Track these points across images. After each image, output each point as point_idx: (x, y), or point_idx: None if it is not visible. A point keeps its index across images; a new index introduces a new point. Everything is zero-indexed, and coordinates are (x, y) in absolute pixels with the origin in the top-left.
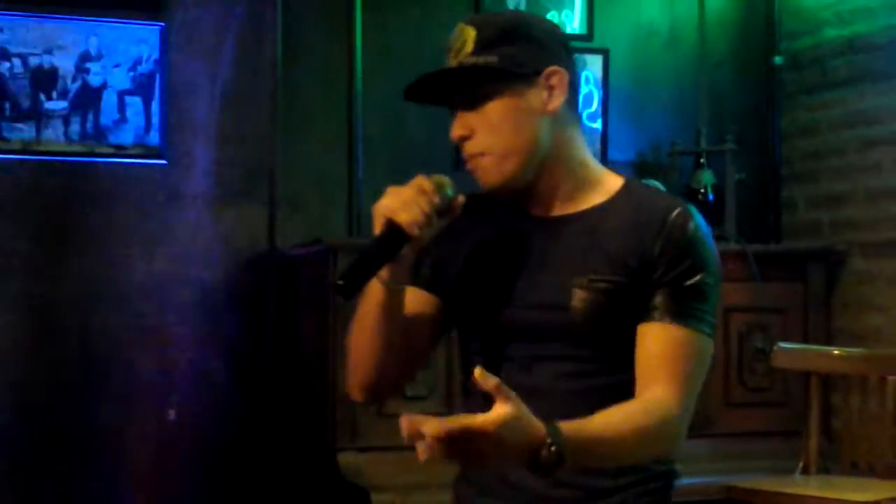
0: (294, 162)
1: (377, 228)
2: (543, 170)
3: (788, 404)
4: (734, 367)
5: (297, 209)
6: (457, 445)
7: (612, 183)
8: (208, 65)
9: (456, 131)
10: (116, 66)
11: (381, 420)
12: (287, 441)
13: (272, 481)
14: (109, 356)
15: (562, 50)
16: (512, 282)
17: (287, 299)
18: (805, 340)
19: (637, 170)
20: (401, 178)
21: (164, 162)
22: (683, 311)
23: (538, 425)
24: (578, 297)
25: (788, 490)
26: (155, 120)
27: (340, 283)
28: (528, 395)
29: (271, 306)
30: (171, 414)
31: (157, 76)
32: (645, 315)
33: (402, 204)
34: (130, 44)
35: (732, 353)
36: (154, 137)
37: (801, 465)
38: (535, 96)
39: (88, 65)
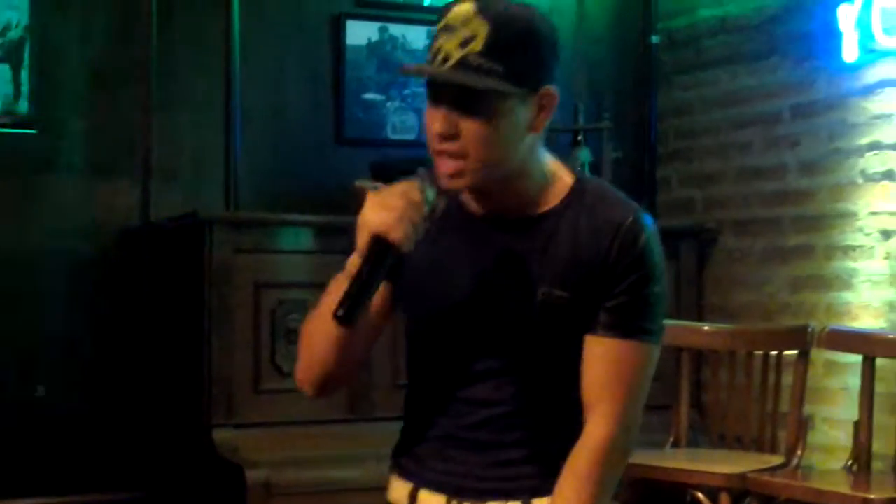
0: (169, 132)
1: (363, 242)
2: (508, 178)
3: (660, 379)
4: None
5: (171, 181)
6: None
7: (563, 183)
8: (80, 32)
9: (441, 126)
10: None
11: (256, 397)
12: (161, 418)
13: (146, 459)
14: None
15: (555, 63)
16: (467, 288)
17: (161, 273)
18: (678, 316)
19: None
20: (279, 150)
21: (33, 131)
22: (630, 324)
23: None
24: (538, 309)
25: (658, 463)
26: (24, 88)
27: (340, 313)
28: (478, 407)
29: (145, 280)
30: (40, 390)
31: (27, 43)
32: (592, 327)
33: (394, 220)
34: None
35: None
36: (23, 106)
37: (671, 438)
38: (525, 113)
39: None
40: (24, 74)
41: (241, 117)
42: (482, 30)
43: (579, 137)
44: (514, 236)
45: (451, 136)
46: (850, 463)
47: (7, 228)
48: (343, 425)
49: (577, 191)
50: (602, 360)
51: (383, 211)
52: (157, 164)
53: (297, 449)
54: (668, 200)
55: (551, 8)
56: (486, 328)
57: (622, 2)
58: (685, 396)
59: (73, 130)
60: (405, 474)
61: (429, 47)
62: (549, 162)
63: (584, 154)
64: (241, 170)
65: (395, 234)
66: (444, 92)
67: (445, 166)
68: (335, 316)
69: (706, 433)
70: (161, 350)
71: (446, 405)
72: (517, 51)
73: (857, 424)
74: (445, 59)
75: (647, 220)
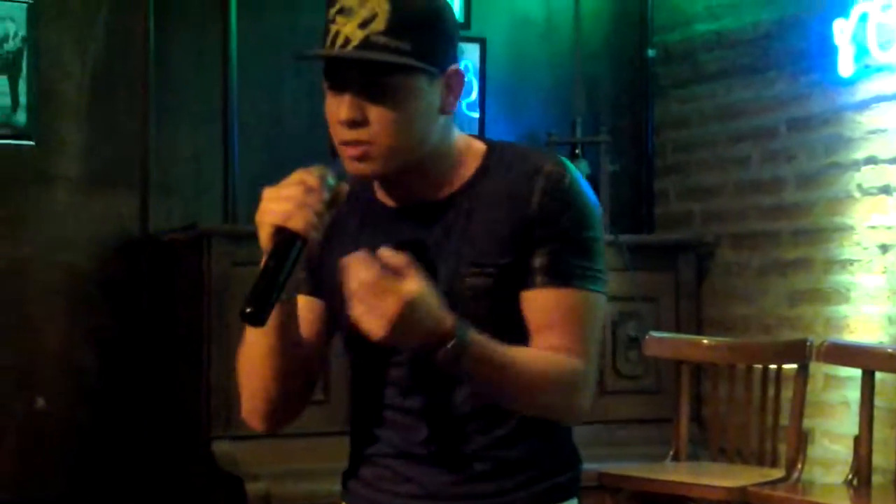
0: (167, 144)
1: (265, 239)
2: (420, 163)
3: (660, 392)
4: (608, 354)
5: (170, 193)
6: (372, 291)
7: (475, 154)
8: (78, 44)
9: (348, 113)
10: None
11: None
12: (161, 430)
13: (146, 471)
14: None
15: (458, 42)
16: None
17: (160, 286)
18: (677, 329)
19: None
20: (278, 162)
21: (31, 142)
22: (566, 270)
23: (448, 317)
24: (469, 292)
25: (658, 476)
26: (22, 99)
27: (248, 311)
28: (426, 416)
29: (144, 293)
30: (40, 402)
31: (25, 54)
32: (527, 280)
33: (293, 208)
34: None
35: (606, 341)
36: (21, 117)
37: (671, 451)
38: (435, 94)
39: None
40: (22, 86)
41: (238, 129)
42: (383, 8)
43: (577, 150)
44: (431, 222)
45: (358, 122)
46: (850, 477)
47: (5, 240)
48: (343, 437)
49: (490, 157)
50: (543, 311)
51: (279, 202)
52: (156, 177)
53: (297, 461)
54: (666, 214)
55: (548, 22)
56: None
57: (618, 16)
58: (685, 410)
59: (72, 142)
60: (359, 501)
61: (322, 34)
62: (460, 139)
63: (582, 167)
64: (240, 182)
65: (295, 223)
66: (348, 76)
67: (352, 150)
68: (242, 315)
69: (706, 447)
70: (160, 362)
71: (393, 418)
72: (421, 29)
73: (857, 438)
74: (346, 42)
75: (570, 165)
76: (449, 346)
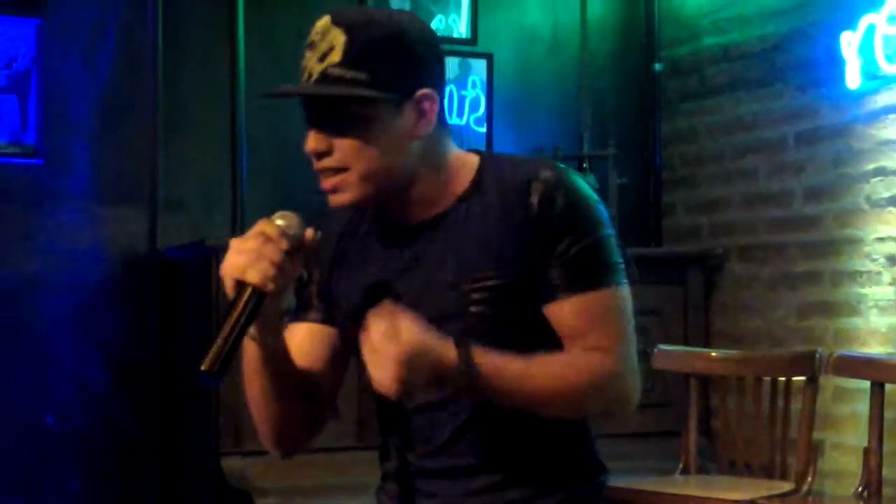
0: (175, 162)
1: (228, 291)
2: (407, 183)
3: (669, 405)
4: None
5: (178, 210)
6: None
7: (469, 168)
8: (87, 62)
9: (311, 144)
10: None
11: None
12: (171, 446)
13: (156, 488)
14: None
15: (435, 64)
16: (400, 299)
17: (169, 302)
18: (685, 342)
19: None
20: (284, 179)
21: (40, 161)
22: (585, 276)
23: (449, 347)
24: (468, 304)
25: (667, 490)
26: (31, 118)
27: (204, 369)
28: (437, 429)
29: (152, 309)
30: (50, 420)
31: (34, 74)
32: (548, 295)
33: (248, 260)
34: (5, 40)
35: None
36: (30, 136)
37: (680, 465)
38: (403, 119)
39: None
40: (31, 105)
41: (246, 145)
42: (339, 40)
43: (584, 164)
44: (427, 239)
45: (323, 153)
46: (860, 489)
47: (14, 258)
48: (351, 453)
49: (482, 171)
50: (574, 317)
51: (239, 255)
52: (164, 193)
53: (306, 477)
54: (674, 227)
55: (554, 37)
56: None
57: (625, 31)
58: (694, 423)
59: (80, 160)
60: None
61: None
62: (454, 156)
63: (590, 181)
64: (248, 198)
65: (252, 277)
66: (312, 110)
67: (326, 183)
68: (199, 371)
69: (715, 460)
70: (169, 379)
71: (404, 432)
72: (380, 57)
73: (866, 450)
74: (309, 77)
75: (565, 168)
76: (459, 374)
